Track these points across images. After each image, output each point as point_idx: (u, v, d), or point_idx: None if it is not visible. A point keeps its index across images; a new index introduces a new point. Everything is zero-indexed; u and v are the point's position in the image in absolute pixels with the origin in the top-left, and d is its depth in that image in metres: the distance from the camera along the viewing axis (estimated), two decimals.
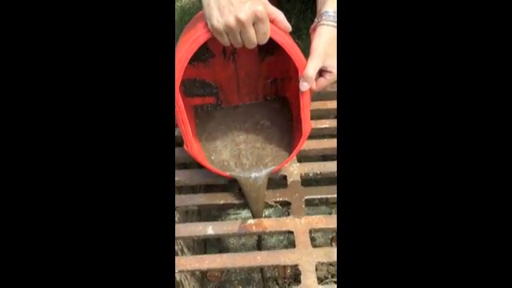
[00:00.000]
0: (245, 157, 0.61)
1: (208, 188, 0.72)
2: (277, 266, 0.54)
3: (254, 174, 0.58)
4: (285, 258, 0.52)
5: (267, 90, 0.68)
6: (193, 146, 0.54)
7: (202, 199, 0.61)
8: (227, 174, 0.58)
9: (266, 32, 0.46)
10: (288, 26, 0.48)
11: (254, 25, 0.45)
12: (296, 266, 0.52)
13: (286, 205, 0.61)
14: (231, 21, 0.43)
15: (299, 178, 0.63)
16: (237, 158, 0.61)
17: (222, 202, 0.61)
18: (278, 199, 0.60)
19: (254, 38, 0.46)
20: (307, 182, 0.63)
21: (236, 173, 0.58)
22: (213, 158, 0.61)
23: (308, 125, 0.55)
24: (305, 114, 0.54)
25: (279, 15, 0.47)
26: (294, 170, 0.63)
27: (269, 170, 0.58)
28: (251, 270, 0.85)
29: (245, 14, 0.43)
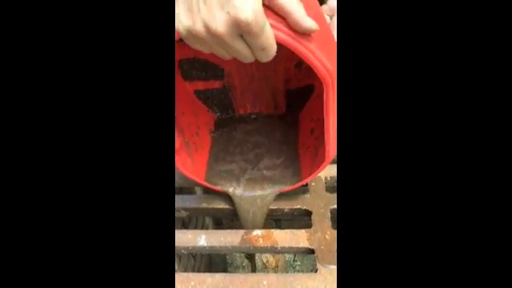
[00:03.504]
0: (248, 176, 0.49)
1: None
2: None
3: (250, 194, 0.46)
4: (302, 285, 0.37)
5: (290, 75, 0.55)
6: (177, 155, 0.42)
7: (197, 202, 0.47)
8: (220, 188, 0.47)
9: (266, 47, 0.29)
10: (309, 27, 0.29)
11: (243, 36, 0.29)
12: None
13: (305, 215, 0.46)
14: (198, 28, 0.28)
15: (324, 183, 0.49)
16: (240, 177, 0.49)
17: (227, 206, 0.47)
18: (295, 207, 0.46)
19: (246, 53, 0.30)
20: (334, 188, 0.49)
21: (232, 190, 0.47)
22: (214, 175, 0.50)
23: (334, 147, 0.40)
24: (329, 133, 0.38)
25: (295, 12, 0.29)
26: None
27: (270, 191, 0.46)
28: None
29: (220, 24, 0.27)
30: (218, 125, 0.57)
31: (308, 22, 0.29)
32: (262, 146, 0.53)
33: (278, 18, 0.30)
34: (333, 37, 0.38)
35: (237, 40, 0.28)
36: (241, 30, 0.27)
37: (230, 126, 0.56)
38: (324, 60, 0.32)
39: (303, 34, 0.30)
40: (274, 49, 0.30)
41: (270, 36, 0.29)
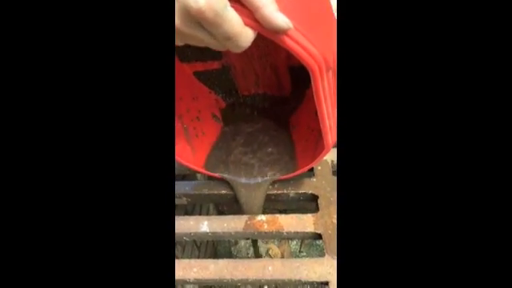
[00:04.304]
0: (248, 163, 0.48)
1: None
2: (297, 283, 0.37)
3: (248, 180, 0.45)
4: (309, 270, 0.36)
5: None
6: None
7: (197, 188, 0.45)
8: (219, 175, 0.45)
9: (231, 36, 0.25)
10: (279, 25, 0.25)
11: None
12: (326, 284, 0.35)
13: (312, 199, 0.44)
14: None
15: (330, 167, 0.47)
16: (239, 163, 0.48)
17: (228, 192, 0.45)
18: (301, 191, 0.44)
19: (211, 43, 0.26)
20: None
21: (230, 176, 0.45)
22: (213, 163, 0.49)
23: (334, 134, 0.37)
24: (325, 123, 0.35)
25: (262, 6, 0.24)
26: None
27: (267, 178, 0.45)
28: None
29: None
30: (223, 115, 0.55)
31: (278, 19, 0.25)
32: (264, 138, 0.52)
33: None
34: (326, 16, 0.34)
35: (196, 30, 0.24)
36: (195, 19, 0.23)
37: (234, 122, 0.55)
38: (308, 45, 0.28)
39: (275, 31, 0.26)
40: (244, 37, 0.25)
41: (235, 24, 0.24)
